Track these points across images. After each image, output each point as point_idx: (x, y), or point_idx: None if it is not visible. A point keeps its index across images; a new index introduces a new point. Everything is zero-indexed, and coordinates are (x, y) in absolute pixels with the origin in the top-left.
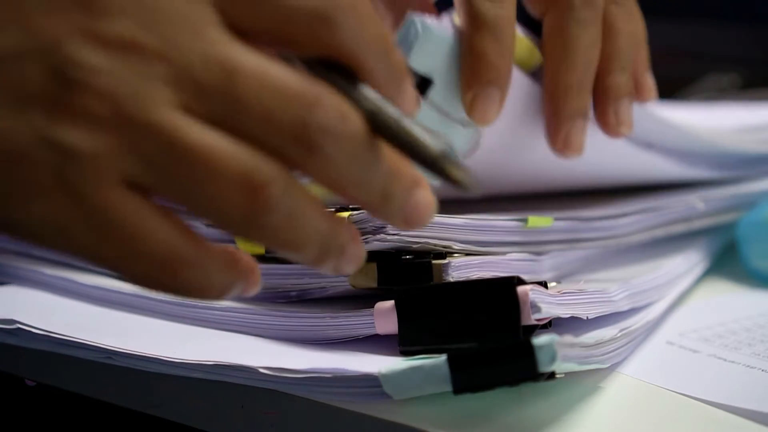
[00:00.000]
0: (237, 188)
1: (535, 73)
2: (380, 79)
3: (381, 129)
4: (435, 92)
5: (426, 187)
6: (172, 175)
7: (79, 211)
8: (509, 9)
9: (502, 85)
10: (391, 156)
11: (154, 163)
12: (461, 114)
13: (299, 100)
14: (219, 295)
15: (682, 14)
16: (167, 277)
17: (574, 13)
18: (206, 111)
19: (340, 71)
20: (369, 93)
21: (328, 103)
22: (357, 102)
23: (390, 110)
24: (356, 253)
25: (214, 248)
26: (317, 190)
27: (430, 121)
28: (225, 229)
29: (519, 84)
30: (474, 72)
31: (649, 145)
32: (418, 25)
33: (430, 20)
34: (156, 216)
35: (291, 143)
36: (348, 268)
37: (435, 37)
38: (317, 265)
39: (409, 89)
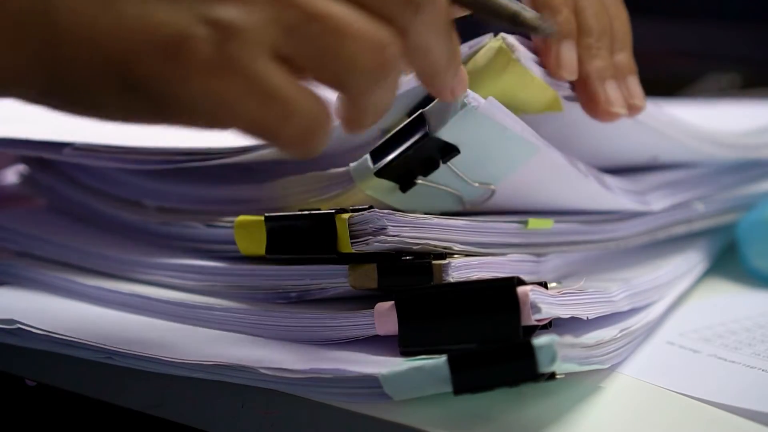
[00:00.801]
0: (368, 49)
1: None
2: None
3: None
4: (458, 160)
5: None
6: (312, 42)
7: (240, 82)
8: None
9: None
10: None
11: (297, 32)
12: (478, 178)
13: None
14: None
15: (683, 14)
16: (311, 136)
17: None
18: None
19: None
20: None
21: None
22: None
23: None
24: None
25: None
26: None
27: (443, 177)
28: (352, 88)
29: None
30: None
31: (654, 158)
32: (462, 100)
33: (473, 95)
34: (298, 83)
35: (401, 7)
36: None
37: (478, 115)
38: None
39: None
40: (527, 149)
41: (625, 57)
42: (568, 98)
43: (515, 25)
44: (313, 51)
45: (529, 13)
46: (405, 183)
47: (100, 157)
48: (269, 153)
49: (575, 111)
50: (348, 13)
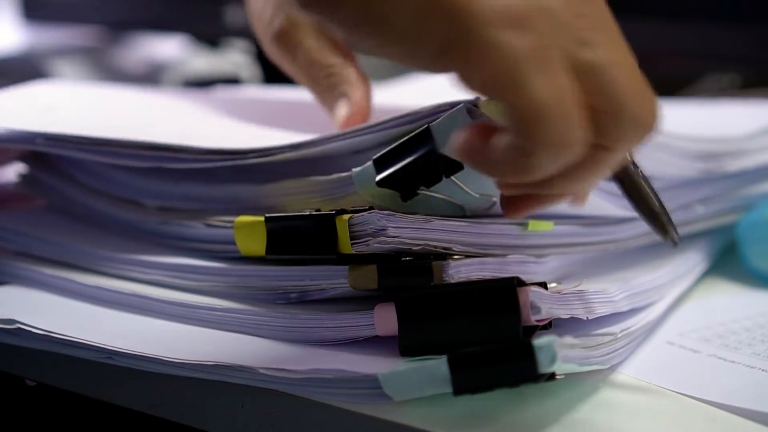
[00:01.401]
0: (643, 105)
1: None
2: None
3: (628, 180)
4: (461, 174)
5: None
6: (601, 75)
7: (538, 58)
8: None
9: None
10: None
11: (589, 51)
12: (480, 190)
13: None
14: None
15: (683, 14)
16: (561, 152)
17: None
18: None
19: None
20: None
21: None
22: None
23: (634, 169)
24: None
25: None
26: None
27: (445, 188)
28: (617, 139)
29: None
30: None
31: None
32: (467, 115)
33: (479, 113)
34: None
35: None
36: None
37: None
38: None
39: None
40: None
41: None
42: None
43: (655, 223)
44: (600, 84)
45: (670, 221)
46: (407, 193)
47: (71, 148)
48: (260, 161)
49: None
50: None
